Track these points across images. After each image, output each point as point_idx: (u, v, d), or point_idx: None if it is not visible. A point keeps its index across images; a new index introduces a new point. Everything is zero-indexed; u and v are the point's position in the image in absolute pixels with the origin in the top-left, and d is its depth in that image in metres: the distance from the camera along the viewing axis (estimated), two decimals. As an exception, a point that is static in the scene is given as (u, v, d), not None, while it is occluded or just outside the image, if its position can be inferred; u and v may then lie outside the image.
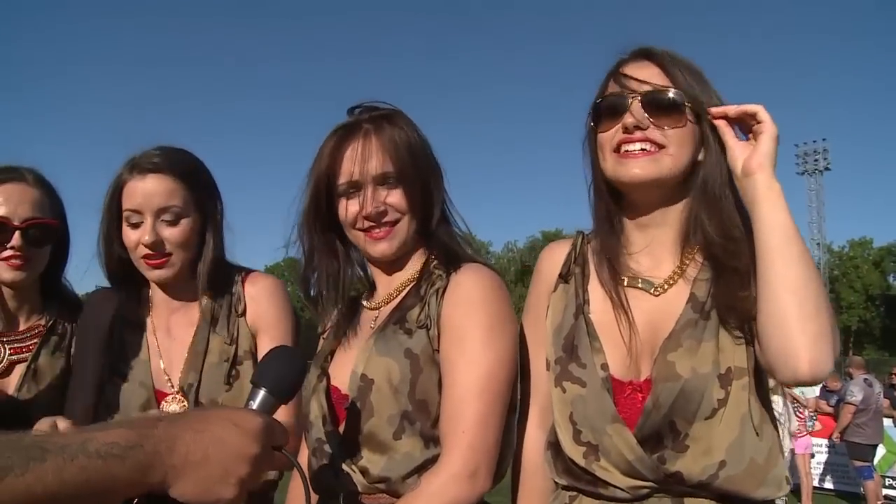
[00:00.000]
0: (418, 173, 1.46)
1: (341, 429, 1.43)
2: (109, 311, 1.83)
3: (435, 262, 1.49)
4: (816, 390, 9.79)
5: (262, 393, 1.10)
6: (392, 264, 1.53)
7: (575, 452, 1.36)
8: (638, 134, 1.33)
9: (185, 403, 1.70)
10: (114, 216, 1.76)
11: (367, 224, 1.46)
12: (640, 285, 1.40)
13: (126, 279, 1.83)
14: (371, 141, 1.44)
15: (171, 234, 1.72)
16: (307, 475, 1.28)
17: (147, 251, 1.71)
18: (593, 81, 1.45)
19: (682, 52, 1.41)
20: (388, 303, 1.52)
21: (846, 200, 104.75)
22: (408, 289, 1.50)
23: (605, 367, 1.35)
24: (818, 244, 53.37)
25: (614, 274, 1.41)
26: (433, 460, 1.34)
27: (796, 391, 8.93)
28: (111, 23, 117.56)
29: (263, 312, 1.80)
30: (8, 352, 1.87)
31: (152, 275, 1.76)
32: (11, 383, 1.85)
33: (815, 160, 53.96)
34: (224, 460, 0.95)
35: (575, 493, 1.37)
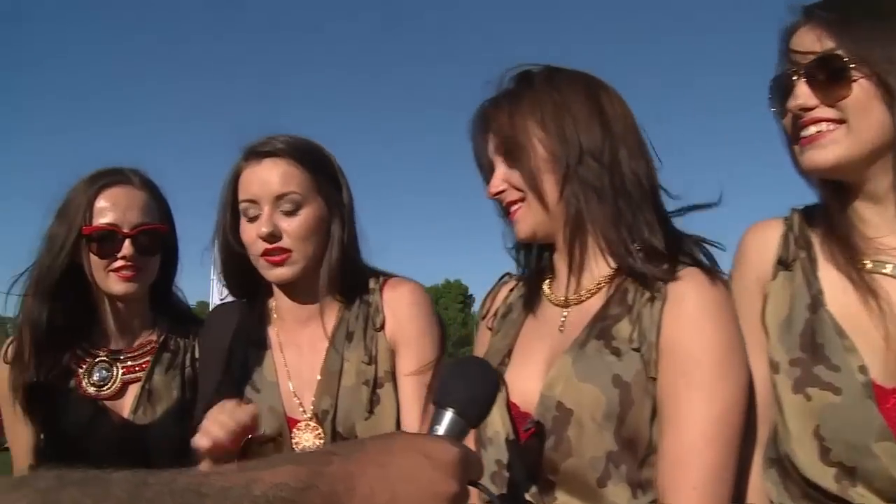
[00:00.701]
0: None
1: (526, 455, 1.19)
2: (229, 330, 1.62)
3: (641, 256, 1.20)
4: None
5: (449, 415, 0.87)
6: (577, 253, 1.26)
7: (821, 474, 1.09)
8: (808, 116, 1.13)
9: (320, 432, 1.49)
10: (230, 212, 1.57)
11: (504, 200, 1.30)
12: (887, 271, 1.13)
13: (247, 288, 1.64)
14: None
15: (289, 225, 1.50)
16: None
17: (265, 245, 1.50)
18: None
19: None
20: (578, 303, 1.26)
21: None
22: (604, 289, 1.23)
23: (863, 369, 1.08)
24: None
25: (854, 258, 1.15)
26: None
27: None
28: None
29: (405, 325, 1.55)
30: (120, 371, 1.72)
31: (272, 274, 1.53)
32: (126, 405, 1.70)
33: None
34: (416, 502, 0.73)
35: None
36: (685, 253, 1.21)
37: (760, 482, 1.20)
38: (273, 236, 1.49)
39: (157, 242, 1.72)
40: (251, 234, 1.51)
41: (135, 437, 1.66)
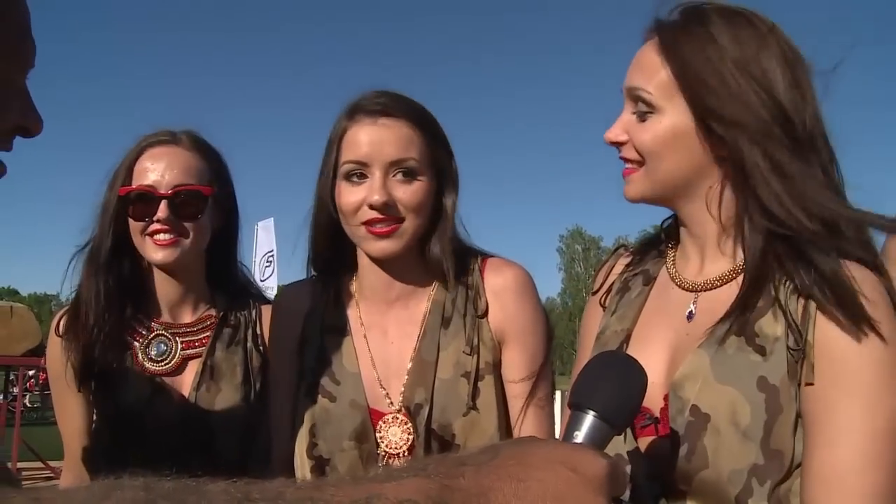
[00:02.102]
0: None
1: (646, 454, 1.05)
2: (301, 315, 1.47)
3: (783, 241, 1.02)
4: None
5: (589, 419, 0.74)
6: (711, 225, 1.09)
7: None
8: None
9: (410, 426, 1.34)
10: (332, 175, 1.39)
11: None
12: None
13: (332, 262, 1.47)
14: None
15: (404, 193, 1.33)
16: None
17: (374, 214, 1.32)
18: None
19: None
20: (710, 288, 1.10)
21: None
22: (742, 278, 1.06)
23: None
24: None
25: None
26: None
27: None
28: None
29: (514, 315, 1.38)
30: (180, 346, 1.61)
31: (376, 247, 1.35)
32: (186, 382, 1.59)
33: None
34: None
35: None
36: (847, 240, 1.02)
37: None
38: (387, 205, 1.32)
39: (198, 205, 1.57)
40: (355, 198, 1.34)
41: (198, 417, 1.56)
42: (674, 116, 1.05)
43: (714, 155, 1.06)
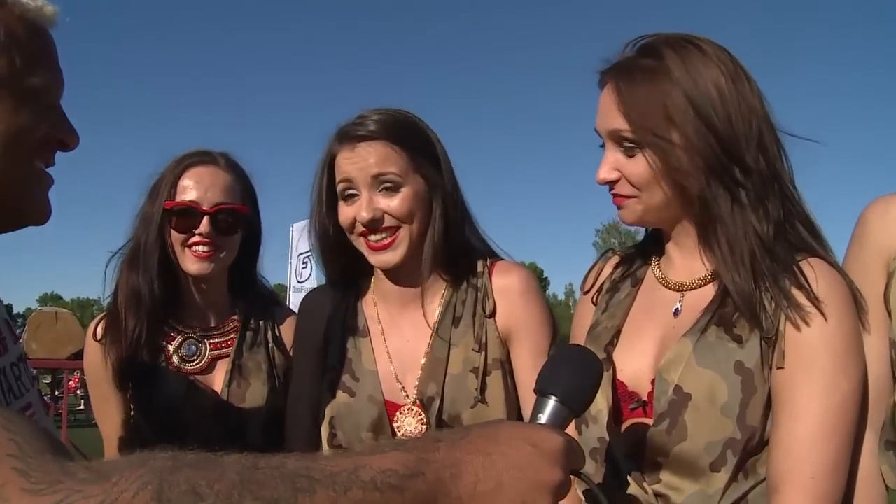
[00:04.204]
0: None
1: (630, 435, 1.17)
2: (324, 317, 1.60)
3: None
4: None
5: (552, 403, 0.86)
6: (693, 237, 1.20)
7: None
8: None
9: (423, 417, 1.47)
10: (325, 197, 1.53)
11: None
12: None
13: (349, 270, 1.60)
14: None
15: (390, 203, 1.45)
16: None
17: (362, 229, 1.47)
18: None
19: None
20: (693, 288, 1.22)
21: None
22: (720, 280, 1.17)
23: None
24: None
25: None
26: (743, 497, 1.12)
27: None
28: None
29: (520, 314, 1.50)
30: (209, 347, 1.76)
31: (378, 260, 1.48)
32: (217, 380, 1.74)
33: None
34: (522, 490, 0.72)
35: None
36: (804, 244, 1.16)
37: (872, 467, 1.16)
38: (374, 221, 1.44)
39: (236, 222, 1.73)
40: (349, 214, 1.47)
41: (230, 411, 1.70)
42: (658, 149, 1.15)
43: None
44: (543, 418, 0.85)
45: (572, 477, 0.79)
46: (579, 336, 1.34)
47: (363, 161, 1.45)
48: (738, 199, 1.12)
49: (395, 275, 1.54)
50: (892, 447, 1.14)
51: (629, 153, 1.17)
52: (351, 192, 1.47)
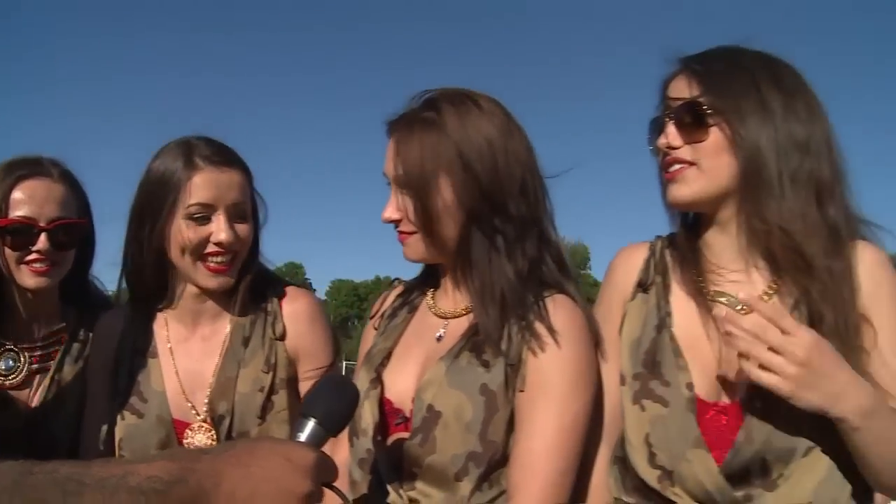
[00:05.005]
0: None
1: (393, 448, 1.32)
2: (115, 337, 1.65)
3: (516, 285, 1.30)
4: None
5: (311, 424, 0.99)
6: (463, 280, 1.36)
7: (649, 475, 1.26)
8: (671, 155, 1.29)
9: (213, 433, 1.55)
10: (162, 215, 1.53)
11: None
12: (723, 301, 1.29)
13: (155, 289, 1.64)
14: None
15: (241, 232, 1.55)
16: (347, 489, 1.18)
17: (215, 249, 1.52)
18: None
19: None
20: (457, 316, 1.37)
21: None
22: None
23: (690, 386, 1.25)
24: None
25: (699, 287, 1.30)
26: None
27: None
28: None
29: (308, 337, 1.62)
30: (29, 360, 1.75)
31: (215, 281, 1.55)
32: (33, 395, 1.73)
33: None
34: (274, 499, 0.85)
35: None
36: (554, 281, 1.33)
37: (603, 479, 1.35)
38: (231, 243, 1.53)
39: (73, 237, 1.73)
40: (201, 235, 1.51)
41: (41, 427, 1.70)
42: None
43: None
44: (302, 437, 0.98)
45: (327, 490, 0.93)
46: (360, 360, 1.48)
47: (227, 184, 1.53)
48: (495, 244, 1.28)
49: (195, 301, 1.62)
50: (618, 462, 1.34)
51: (408, 196, 1.31)
52: (205, 215, 1.52)
